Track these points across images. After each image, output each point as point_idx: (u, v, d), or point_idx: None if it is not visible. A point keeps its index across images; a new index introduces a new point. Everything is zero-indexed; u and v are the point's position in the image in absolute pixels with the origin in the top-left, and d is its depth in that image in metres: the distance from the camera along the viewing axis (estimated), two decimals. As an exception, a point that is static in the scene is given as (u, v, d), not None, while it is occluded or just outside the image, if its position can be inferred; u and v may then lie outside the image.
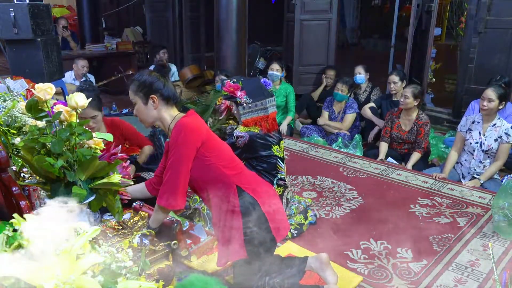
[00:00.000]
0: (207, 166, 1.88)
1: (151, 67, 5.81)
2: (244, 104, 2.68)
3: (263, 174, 2.71)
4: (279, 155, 2.75)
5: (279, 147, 2.77)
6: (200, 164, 1.88)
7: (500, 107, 3.46)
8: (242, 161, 2.76)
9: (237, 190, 1.90)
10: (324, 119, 4.92)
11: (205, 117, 3.65)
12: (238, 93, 2.66)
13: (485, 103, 3.45)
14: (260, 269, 2.00)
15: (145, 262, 1.43)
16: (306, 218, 2.89)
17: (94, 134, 1.53)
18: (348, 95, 4.77)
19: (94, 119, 2.78)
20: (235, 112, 2.80)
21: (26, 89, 2.89)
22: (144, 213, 2.13)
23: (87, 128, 2.74)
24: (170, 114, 1.93)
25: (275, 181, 2.75)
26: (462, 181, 3.64)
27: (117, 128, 2.93)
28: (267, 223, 1.93)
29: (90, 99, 1.55)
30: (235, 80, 2.73)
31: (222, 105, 3.19)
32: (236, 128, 2.80)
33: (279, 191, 2.79)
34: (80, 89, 2.82)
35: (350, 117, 4.76)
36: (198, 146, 1.86)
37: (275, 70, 4.94)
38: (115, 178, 1.49)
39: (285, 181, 2.83)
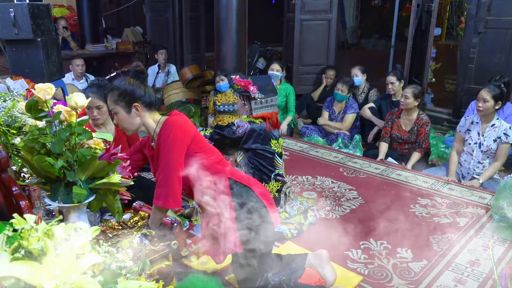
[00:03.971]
0: (198, 162, 1.90)
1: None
2: (257, 99, 2.69)
3: (260, 169, 2.72)
4: (276, 150, 2.76)
5: (278, 142, 2.78)
6: (191, 160, 1.89)
7: (496, 107, 3.45)
8: (238, 154, 2.78)
9: (229, 182, 1.93)
10: (324, 119, 4.92)
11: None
12: (251, 88, 2.67)
13: (480, 104, 3.45)
14: (260, 260, 1.99)
15: (145, 262, 1.43)
16: (306, 218, 2.89)
17: (94, 134, 1.53)
18: (348, 95, 4.77)
19: (99, 110, 2.79)
20: (241, 107, 2.80)
21: (26, 89, 2.90)
22: (144, 213, 2.13)
23: (91, 118, 2.78)
24: (153, 119, 1.93)
25: (272, 176, 2.76)
26: (462, 181, 3.65)
27: None
28: (266, 210, 1.94)
29: (89, 99, 1.55)
30: (240, 76, 2.75)
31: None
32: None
33: (277, 186, 2.79)
34: (91, 83, 2.89)
35: (350, 117, 4.76)
36: (188, 143, 1.87)
37: (275, 70, 4.94)
38: (115, 178, 1.49)
39: (283, 176, 2.83)
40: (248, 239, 1.91)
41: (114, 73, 5.78)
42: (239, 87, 2.71)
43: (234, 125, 2.69)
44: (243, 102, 2.76)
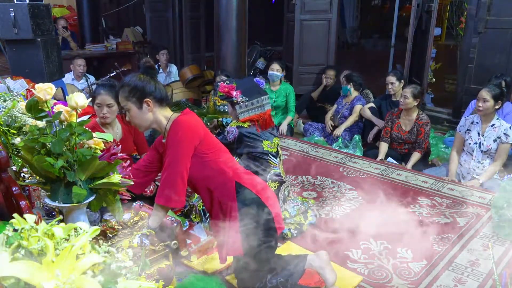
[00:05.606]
0: (205, 164, 1.89)
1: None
2: (241, 103, 2.71)
3: (256, 171, 2.72)
4: (270, 151, 2.76)
5: (271, 143, 2.78)
6: (199, 161, 1.88)
7: (496, 107, 3.45)
8: (234, 157, 2.80)
9: (236, 186, 1.91)
10: (339, 130, 4.78)
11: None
12: (234, 93, 2.69)
13: (480, 104, 3.45)
14: (262, 265, 1.99)
15: (145, 262, 1.43)
16: (306, 218, 2.89)
17: (94, 134, 1.53)
18: (349, 86, 4.85)
19: (109, 108, 2.79)
20: (231, 112, 2.82)
21: (26, 89, 2.90)
22: (144, 213, 2.13)
23: (100, 116, 2.81)
24: (164, 116, 1.92)
25: (268, 177, 2.76)
26: (462, 181, 3.64)
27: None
28: (271, 217, 1.94)
29: (90, 99, 1.55)
30: (228, 82, 2.76)
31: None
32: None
33: (274, 186, 2.80)
34: (102, 83, 2.92)
35: (358, 108, 4.82)
36: (196, 144, 1.86)
37: (276, 70, 4.95)
38: (115, 178, 1.49)
39: (281, 176, 2.83)
40: (250, 243, 1.90)
41: (114, 73, 5.78)
42: (222, 93, 2.72)
43: (225, 131, 2.73)
44: (230, 107, 2.78)
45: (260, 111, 2.76)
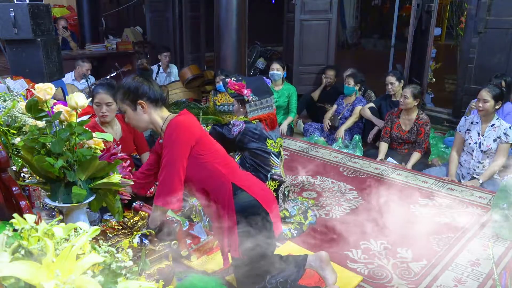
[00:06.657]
0: (202, 165, 1.88)
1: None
2: (252, 102, 2.70)
3: (257, 169, 2.72)
4: (273, 150, 2.76)
5: (275, 142, 2.79)
6: (195, 162, 1.87)
7: (496, 107, 3.45)
8: (235, 154, 2.79)
9: (232, 188, 1.91)
10: (340, 131, 4.78)
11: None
12: (245, 91, 2.68)
13: (480, 104, 3.45)
14: (260, 266, 1.99)
15: (145, 262, 1.43)
16: (306, 218, 2.89)
17: (94, 134, 1.53)
18: (356, 88, 4.84)
19: (108, 107, 2.80)
20: (237, 110, 2.81)
21: (26, 89, 2.90)
22: (144, 213, 2.13)
23: (99, 115, 2.81)
24: (161, 116, 1.92)
25: (269, 176, 2.76)
26: (462, 181, 3.64)
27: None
28: (268, 218, 1.94)
29: (89, 100, 1.55)
30: (236, 78, 2.74)
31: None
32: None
33: (274, 185, 2.79)
34: (100, 83, 2.92)
35: (358, 109, 4.82)
36: (192, 144, 1.86)
37: (276, 69, 4.95)
38: (115, 178, 1.49)
39: (281, 176, 2.83)
40: (249, 245, 1.90)
41: (114, 73, 5.78)
42: (233, 91, 2.71)
43: (230, 123, 2.71)
44: (238, 105, 2.77)
45: (268, 111, 2.76)
